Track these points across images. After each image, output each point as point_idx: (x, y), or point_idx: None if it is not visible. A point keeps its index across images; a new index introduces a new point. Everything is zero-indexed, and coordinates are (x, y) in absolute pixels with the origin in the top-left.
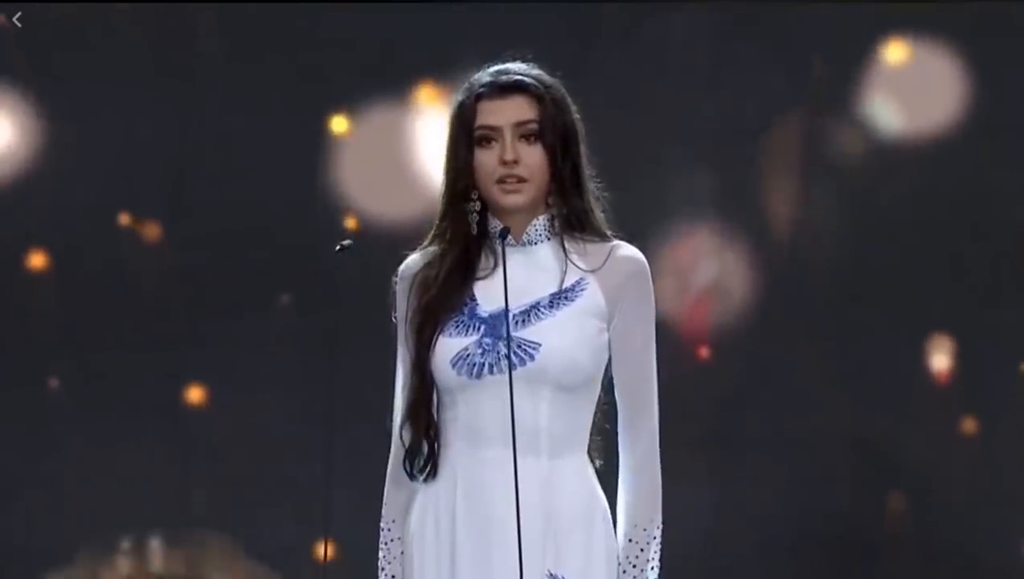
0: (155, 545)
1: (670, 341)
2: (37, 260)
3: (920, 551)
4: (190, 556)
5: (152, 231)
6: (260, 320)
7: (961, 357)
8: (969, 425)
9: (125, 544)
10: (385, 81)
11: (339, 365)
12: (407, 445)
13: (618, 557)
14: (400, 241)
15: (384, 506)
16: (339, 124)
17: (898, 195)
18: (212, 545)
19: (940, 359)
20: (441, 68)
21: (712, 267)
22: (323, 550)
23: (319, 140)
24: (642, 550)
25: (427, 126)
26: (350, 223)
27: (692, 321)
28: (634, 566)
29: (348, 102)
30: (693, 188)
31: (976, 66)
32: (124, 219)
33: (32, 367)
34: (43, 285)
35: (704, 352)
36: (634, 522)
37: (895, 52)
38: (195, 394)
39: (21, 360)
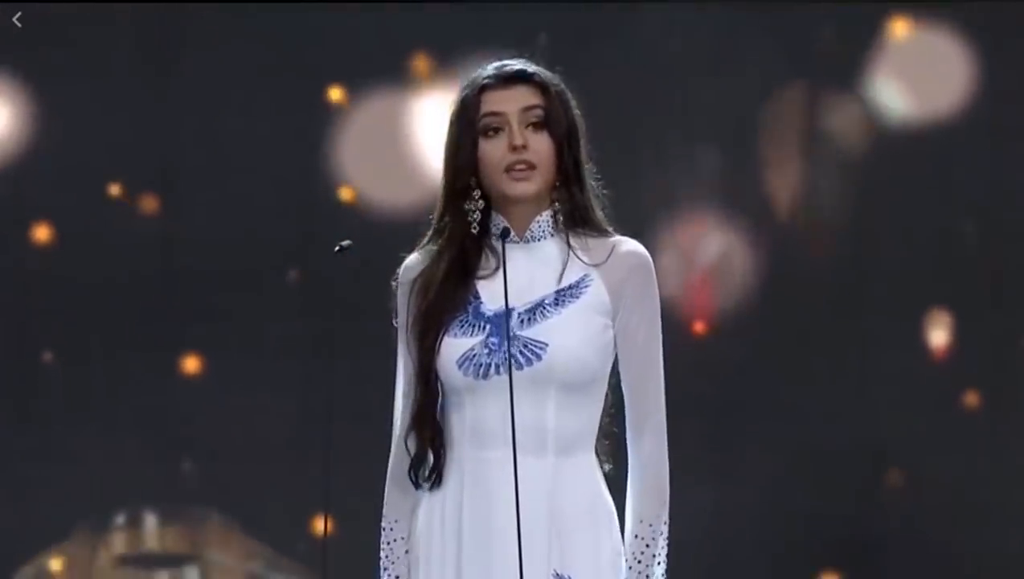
0: (151, 522)
1: (670, 327)
2: (35, 244)
3: (923, 547)
4: (186, 533)
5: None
6: (259, 315)
7: (962, 338)
8: (972, 406)
9: (120, 521)
10: (383, 74)
11: (338, 361)
12: (412, 455)
13: (624, 554)
14: (400, 227)
15: (385, 506)
16: (336, 93)
17: (900, 173)
18: (209, 522)
19: (939, 335)
20: (441, 60)
21: (714, 251)
22: (323, 524)
23: (318, 140)
24: (648, 545)
25: (426, 117)
26: (345, 195)
27: (694, 306)
28: (639, 562)
29: (345, 93)
30: (693, 169)
31: (981, 44)
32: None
33: (26, 345)
34: (41, 268)
35: (705, 337)
36: (640, 517)
37: (900, 29)
38: (191, 365)
39: (14, 336)
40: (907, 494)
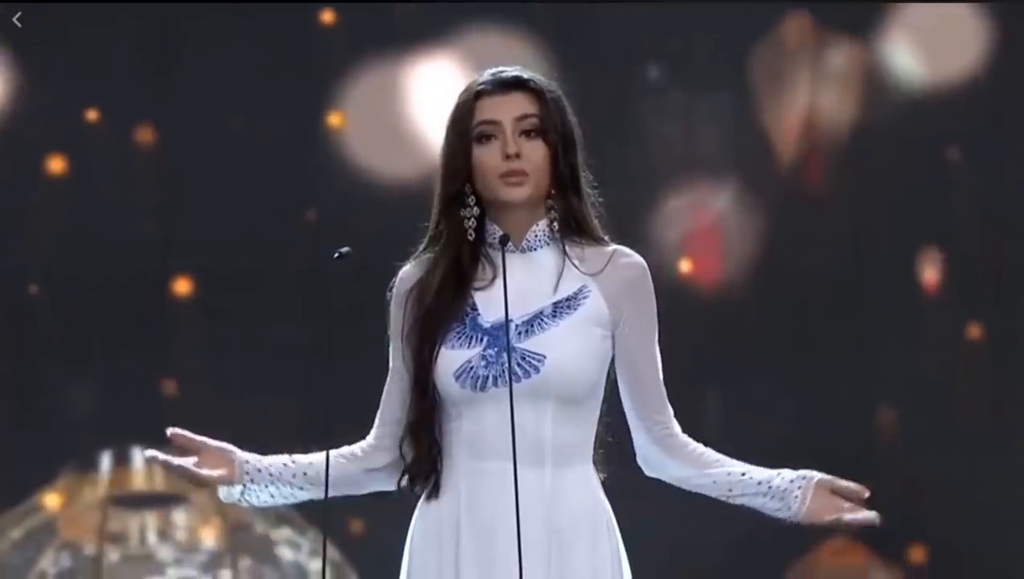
0: (139, 462)
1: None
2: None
3: (923, 546)
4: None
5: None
6: (259, 316)
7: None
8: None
9: (107, 461)
10: (383, 71)
11: (338, 362)
12: (408, 461)
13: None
14: (401, 221)
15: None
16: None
17: (899, 129)
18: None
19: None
20: (442, 55)
21: (717, 210)
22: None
23: (318, 139)
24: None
25: (428, 110)
26: (334, 120)
27: (697, 267)
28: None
29: (344, 95)
30: (695, 129)
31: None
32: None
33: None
34: (41, 268)
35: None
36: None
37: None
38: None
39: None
40: (907, 494)
